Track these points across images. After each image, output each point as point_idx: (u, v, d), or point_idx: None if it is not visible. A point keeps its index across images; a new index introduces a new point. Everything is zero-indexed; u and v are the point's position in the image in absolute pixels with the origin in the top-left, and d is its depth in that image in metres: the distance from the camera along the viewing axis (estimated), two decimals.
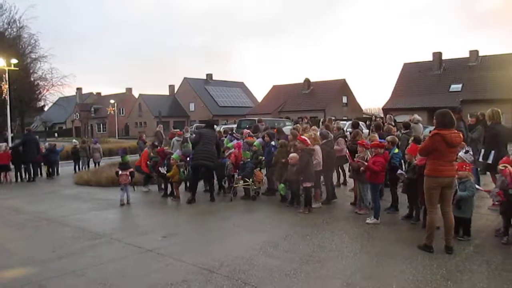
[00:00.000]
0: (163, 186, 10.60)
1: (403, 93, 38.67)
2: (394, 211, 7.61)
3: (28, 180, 14.26)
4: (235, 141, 10.92)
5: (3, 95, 23.50)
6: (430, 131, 5.96)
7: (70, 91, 62.55)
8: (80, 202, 10.03)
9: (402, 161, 7.69)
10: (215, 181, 10.08)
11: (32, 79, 37.21)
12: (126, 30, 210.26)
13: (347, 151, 8.89)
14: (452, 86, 36.55)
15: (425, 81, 38.66)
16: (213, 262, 5.27)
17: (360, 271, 4.88)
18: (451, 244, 5.41)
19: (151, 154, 10.90)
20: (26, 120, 42.41)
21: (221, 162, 9.83)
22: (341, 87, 50.73)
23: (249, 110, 55.81)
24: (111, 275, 5.02)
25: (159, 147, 11.34)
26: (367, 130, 15.59)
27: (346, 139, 10.20)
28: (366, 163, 7.09)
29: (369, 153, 7.40)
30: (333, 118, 13.66)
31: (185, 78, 66.44)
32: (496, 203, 6.46)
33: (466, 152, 6.35)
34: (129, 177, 9.43)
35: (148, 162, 10.85)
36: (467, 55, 38.75)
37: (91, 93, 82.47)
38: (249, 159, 9.48)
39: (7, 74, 23.85)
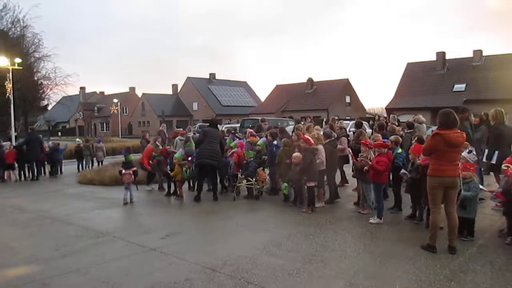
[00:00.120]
0: (164, 185, 10.63)
1: (407, 92, 38.59)
2: (397, 211, 7.60)
3: (31, 179, 14.33)
4: (237, 141, 10.94)
5: (7, 94, 23.56)
6: (432, 131, 5.95)
7: (74, 90, 62.95)
8: (84, 201, 10.07)
9: (405, 160, 7.67)
10: (218, 181, 10.09)
11: (35, 78, 37.39)
12: (129, 30, 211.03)
13: (351, 151, 8.89)
14: (456, 86, 36.45)
15: (428, 80, 38.55)
16: (216, 261, 5.28)
17: (363, 271, 4.88)
18: (454, 244, 5.39)
19: (154, 153, 10.90)
20: (30, 119, 42.60)
21: (225, 161, 9.84)
22: (344, 87, 50.68)
23: (252, 109, 55.84)
24: (115, 273, 5.04)
25: (162, 147, 11.35)
26: (370, 130, 15.56)
27: (349, 138, 10.20)
28: (370, 162, 7.09)
29: (372, 153, 7.39)
30: (336, 117, 13.65)
31: (188, 78, 66.56)
32: (498, 204, 6.46)
33: (469, 152, 6.33)
34: (132, 176, 9.45)
35: (150, 161, 10.86)
36: (470, 54, 38.64)
37: (95, 92, 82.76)
38: (252, 159, 9.49)
39: (11, 73, 23.92)
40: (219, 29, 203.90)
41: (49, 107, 52.22)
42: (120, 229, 7.27)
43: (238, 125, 23.63)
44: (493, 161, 7.64)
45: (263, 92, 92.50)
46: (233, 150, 10.22)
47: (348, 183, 10.45)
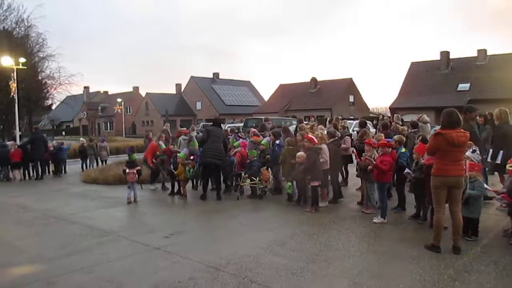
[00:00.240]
0: (168, 184, 10.65)
1: (411, 92, 38.42)
2: (401, 211, 7.58)
3: (36, 178, 14.40)
4: (240, 141, 10.94)
5: (11, 94, 23.73)
6: (435, 131, 5.94)
7: (78, 90, 62.86)
8: (88, 200, 10.11)
9: (409, 160, 7.66)
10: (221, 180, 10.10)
11: (40, 78, 37.43)
12: (133, 30, 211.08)
13: (355, 150, 8.88)
14: (460, 85, 36.27)
15: (432, 80, 38.37)
16: (220, 260, 5.29)
17: (367, 270, 4.88)
18: (458, 244, 5.38)
19: (158, 152, 10.93)
20: (34, 119, 42.72)
21: (229, 160, 9.85)
22: (348, 86, 50.52)
23: (256, 109, 55.78)
24: (119, 272, 5.06)
25: (165, 146, 11.38)
26: (374, 130, 15.52)
27: (352, 137, 10.18)
28: (374, 162, 7.08)
29: (376, 152, 7.38)
30: (340, 117, 13.62)
31: (191, 77, 66.56)
32: (503, 204, 6.44)
33: (473, 151, 6.32)
34: (136, 175, 9.48)
35: (154, 160, 10.88)
36: (475, 54, 38.46)
37: (99, 92, 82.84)
38: (255, 158, 9.49)
39: (15, 73, 24.06)
40: (225, 28, 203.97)
41: (53, 107, 52.21)
42: (124, 228, 7.30)
43: (242, 124, 23.62)
44: (498, 161, 7.60)
45: (266, 91, 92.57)
46: (236, 150, 10.23)
47: (347, 184, 10.36)
